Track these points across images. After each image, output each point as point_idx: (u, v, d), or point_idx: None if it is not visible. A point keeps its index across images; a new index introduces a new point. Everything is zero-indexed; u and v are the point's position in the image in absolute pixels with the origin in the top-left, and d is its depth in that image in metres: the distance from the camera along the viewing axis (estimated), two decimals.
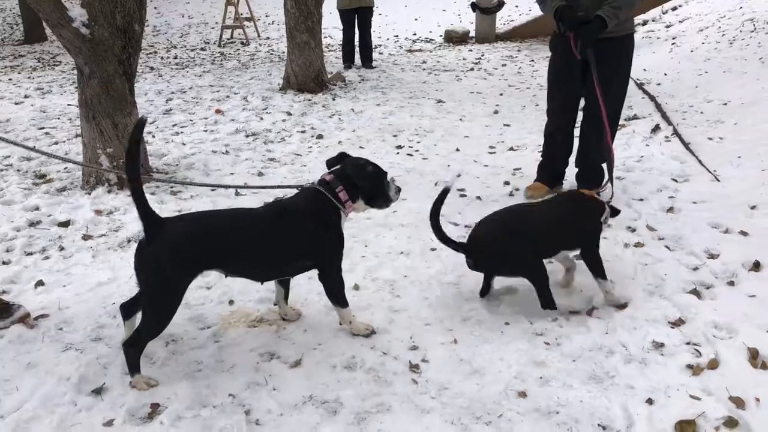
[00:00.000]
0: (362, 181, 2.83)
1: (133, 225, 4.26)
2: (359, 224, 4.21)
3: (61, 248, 3.96)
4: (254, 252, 2.70)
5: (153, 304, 2.59)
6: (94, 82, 4.70)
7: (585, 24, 4.02)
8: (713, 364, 2.67)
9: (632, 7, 4.11)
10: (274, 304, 3.20)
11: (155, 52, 13.42)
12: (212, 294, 3.39)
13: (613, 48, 4.17)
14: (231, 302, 3.31)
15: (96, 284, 3.51)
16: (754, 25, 10.17)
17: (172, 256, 2.52)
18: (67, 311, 3.22)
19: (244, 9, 14.88)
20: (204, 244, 2.58)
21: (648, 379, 2.61)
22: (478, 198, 4.75)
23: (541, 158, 4.91)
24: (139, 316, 2.70)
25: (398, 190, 3.00)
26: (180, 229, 2.58)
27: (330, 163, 2.97)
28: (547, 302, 3.11)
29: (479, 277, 3.51)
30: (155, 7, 19.14)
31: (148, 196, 4.78)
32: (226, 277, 2.81)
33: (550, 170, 4.81)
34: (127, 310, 2.79)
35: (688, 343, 2.84)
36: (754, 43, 9.24)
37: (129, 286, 3.46)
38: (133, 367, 2.61)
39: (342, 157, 2.96)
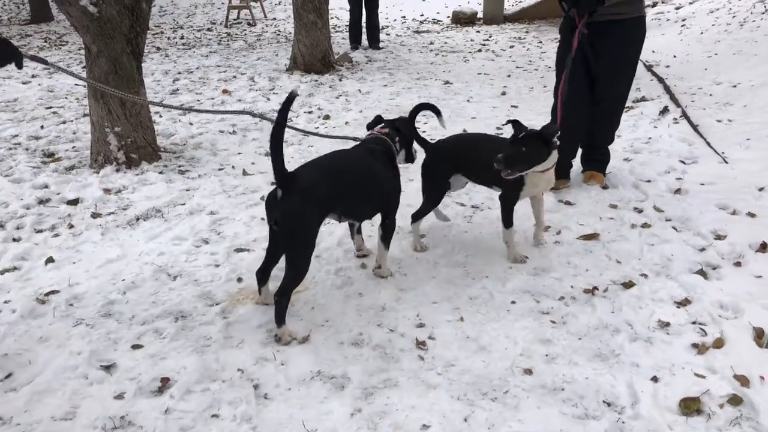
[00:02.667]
0: (410, 132, 3.32)
1: (141, 203, 4.29)
2: None
3: (71, 226, 3.99)
4: (362, 191, 2.99)
5: (297, 250, 2.75)
6: (102, 60, 4.70)
7: None
8: (718, 343, 2.68)
9: None
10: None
11: (162, 32, 13.39)
12: (221, 271, 3.42)
13: (622, 30, 4.13)
14: (239, 279, 3.34)
15: (105, 261, 3.54)
16: (765, 6, 10.06)
17: (310, 204, 2.71)
18: (77, 287, 3.26)
19: None
20: (330, 188, 2.79)
21: (653, 357, 2.63)
22: None
23: None
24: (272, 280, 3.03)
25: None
26: (310, 179, 2.76)
27: (370, 125, 3.42)
28: None
29: (487, 256, 3.55)
30: None
31: (155, 175, 4.85)
32: (339, 222, 3.20)
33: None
34: (263, 274, 3.03)
35: (693, 323, 2.85)
36: (765, 25, 9.15)
37: (138, 264, 3.49)
38: (280, 318, 2.77)
39: (379, 119, 3.42)
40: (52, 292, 3.20)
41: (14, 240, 3.81)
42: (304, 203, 2.68)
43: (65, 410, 2.38)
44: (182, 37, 12.71)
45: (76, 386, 2.51)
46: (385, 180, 3.10)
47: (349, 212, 3.02)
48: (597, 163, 4.60)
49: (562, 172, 4.46)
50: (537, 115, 6.56)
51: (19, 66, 2.70)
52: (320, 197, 2.74)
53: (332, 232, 3.83)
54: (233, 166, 5.09)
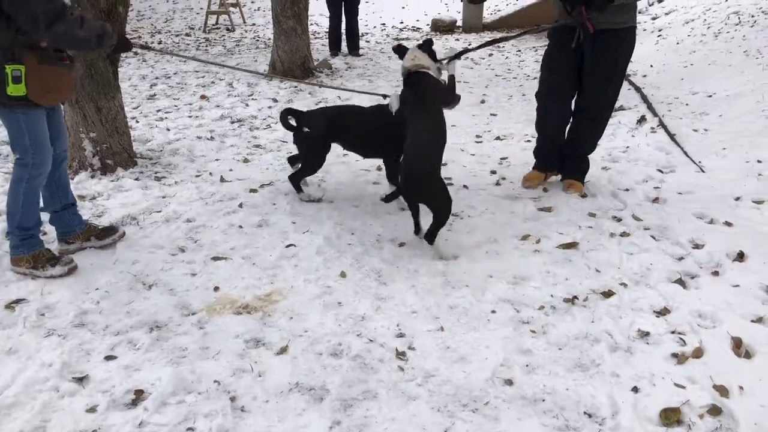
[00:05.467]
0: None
1: (116, 210, 4.22)
2: (346, 212, 4.19)
3: (44, 233, 3.90)
4: (359, 135, 4.38)
5: (307, 160, 4.41)
6: (77, 65, 4.61)
7: None
8: (698, 353, 2.69)
9: None
10: None
11: (139, 37, 13.24)
12: (197, 281, 3.36)
13: (615, 40, 4.11)
14: (216, 289, 3.28)
15: (79, 270, 3.46)
16: (738, 18, 10.22)
17: (321, 135, 4.30)
18: (50, 297, 3.18)
19: None
20: (334, 126, 4.29)
21: (633, 367, 2.63)
22: (465, 187, 4.73)
23: (535, 145, 4.81)
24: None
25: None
26: (323, 120, 4.29)
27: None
28: None
29: (466, 265, 3.53)
30: None
31: (131, 181, 4.75)
32: (344, 149, 4.59)
33: (545, 155, 4.76)
34: (292, 161, 4.65)
35: (673, 332, 2.86)
36: (738, 36, 9.29)
37: (113, 272, 3.43)
38: (298, 189, 4.41)
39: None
40: (22, 300, 3.12)
41: None
42: (316, 135, 4.28)
43: (35, 424, 2.32)
44: (160, 42, 12.59)
45: (46, 399, 2.44)
46: (382, 131, 4.19)
47: (349, 146, 4.50)
48: (577, 172, 4.61)
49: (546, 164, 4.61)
50: (515, 123, 6.60)
51: (129, 49, 3.52)
52: (327, 132, 4.31)
53: (311, 242, 3.80)
54: (210, 173, 5.03)
